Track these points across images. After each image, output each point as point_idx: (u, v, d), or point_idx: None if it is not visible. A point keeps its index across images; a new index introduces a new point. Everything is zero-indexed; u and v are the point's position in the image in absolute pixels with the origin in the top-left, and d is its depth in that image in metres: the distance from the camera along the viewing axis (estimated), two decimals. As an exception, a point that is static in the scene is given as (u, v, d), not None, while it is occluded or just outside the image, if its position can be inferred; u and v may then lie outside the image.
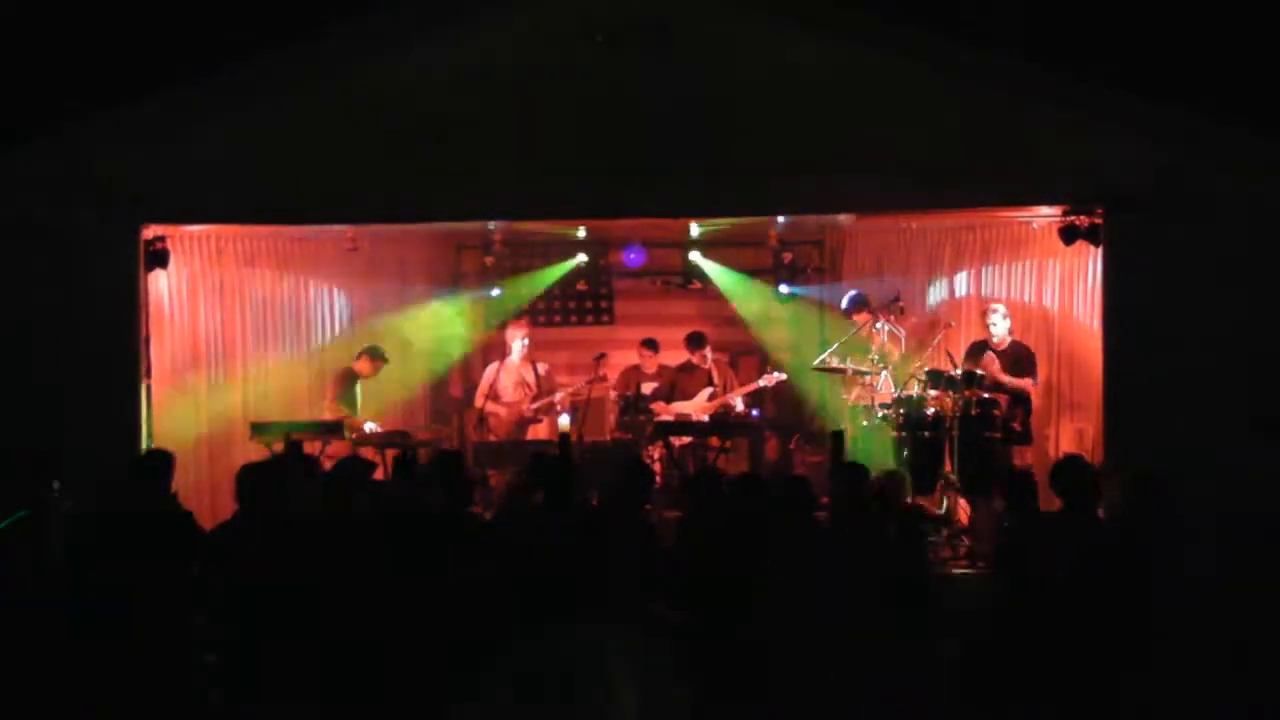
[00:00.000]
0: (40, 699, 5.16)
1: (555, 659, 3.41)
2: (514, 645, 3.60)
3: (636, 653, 3.46)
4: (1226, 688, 5.19)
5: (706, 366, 10.27)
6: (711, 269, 11.03)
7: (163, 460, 6.28)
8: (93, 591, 5.43)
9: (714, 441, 9.63)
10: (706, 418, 10.08)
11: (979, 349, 9.41)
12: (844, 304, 10.35)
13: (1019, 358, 9.32)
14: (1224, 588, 5.39)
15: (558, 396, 10.13)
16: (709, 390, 10.19)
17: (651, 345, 10.57)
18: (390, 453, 9.24)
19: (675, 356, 10.63)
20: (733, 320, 11.40)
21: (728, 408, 10.14)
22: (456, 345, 11.15)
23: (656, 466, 9.55)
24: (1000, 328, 9.41)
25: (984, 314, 9.61)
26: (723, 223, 10.28)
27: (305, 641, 5.12)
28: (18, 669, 5.21)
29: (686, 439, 9.80)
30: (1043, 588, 5.29)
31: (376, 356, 10.22)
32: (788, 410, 11.01)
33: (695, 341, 10.32)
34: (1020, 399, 9.21)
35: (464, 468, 6.57)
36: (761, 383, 10.11)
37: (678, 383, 10.32)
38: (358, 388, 10.16)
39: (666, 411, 10.14)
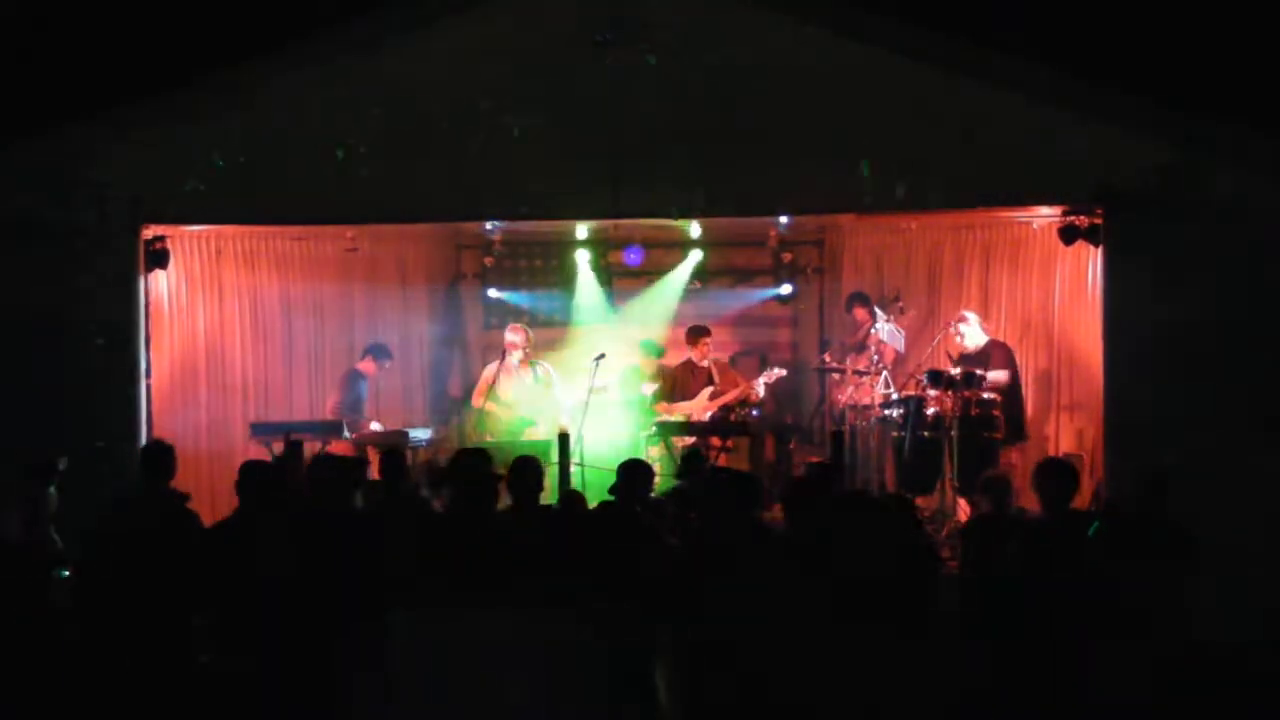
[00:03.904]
0: (38, 696, 5.16)
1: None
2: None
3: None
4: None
5: (706, 365, 10.24)
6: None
7: (163, 452, 6.26)
8: (94, 591, 5.44)
9: (715, 441, 9.62)
10: (708, 417, 10.06)
11: (963, 358, 9.45)
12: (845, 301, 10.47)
13: (989, 356, 9.29)
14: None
15: (565, 404, 10.05)
16: (710, 389, 10.16)
17: (650, 348, 10.54)
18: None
19: (678, 356, 10.61)
20: (733, 320, 11.40)
21: (749, 400, 10.07)
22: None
23: (656, 466, 9.53)
24: (973, 330, 9.38)
25: (954, 323, 9.60)
26: (722, 223, 10.30)
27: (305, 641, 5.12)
28: (15, 667, 5.21)
29: (687, 439, 9.77)
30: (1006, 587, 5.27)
31: (381, 355, 10.23)
32: (788, 410, 11.00)
33: (696, 334, 10.26)
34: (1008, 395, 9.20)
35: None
36: (763, 379, 10.10)
37: (678, 383, 10.30)
38: (363, 387, 10.14)
39: (668, 412, 10.12)
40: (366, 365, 10.20)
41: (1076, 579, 5.15)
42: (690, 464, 7.73)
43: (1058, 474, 5.61)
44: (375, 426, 9.86)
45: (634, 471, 6.20)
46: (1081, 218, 8.83)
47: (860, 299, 10.44)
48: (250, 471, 5.69)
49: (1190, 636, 5.27)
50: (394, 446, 8.09)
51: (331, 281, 10.72)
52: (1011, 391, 9.22)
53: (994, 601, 5.25)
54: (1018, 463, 9.20)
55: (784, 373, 10.14)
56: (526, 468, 5.81)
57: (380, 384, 10.52)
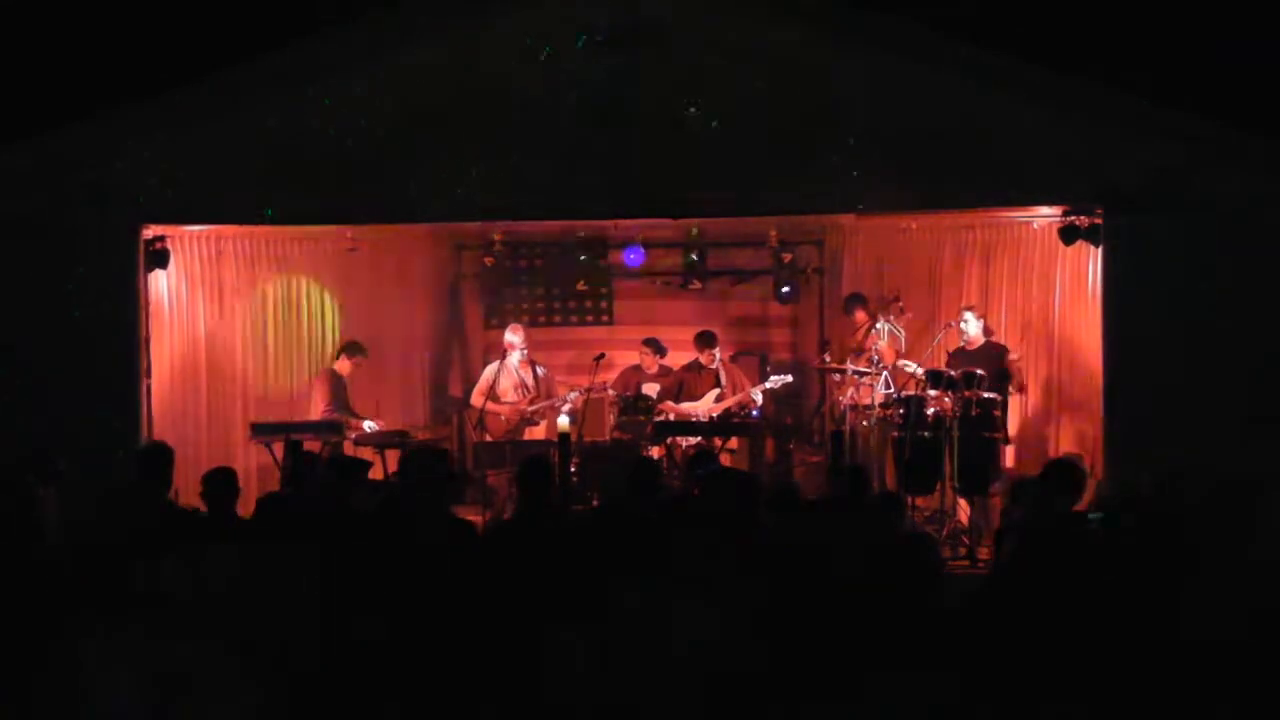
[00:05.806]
0: (37, 698, 5.16)
1: None
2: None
3: None
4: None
5: (714, 367, 10.22)
6: None
7: (162, 454, 6.25)
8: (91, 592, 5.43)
9: (716, 442, 9.61)
10: (714, 418, 10.05)
11: (958, 354, 9.44)
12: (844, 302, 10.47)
13: (990, 357, 9.30)
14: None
15: (566, 404, 10.01)
16: (716, 391, 10.16)
17: (655, 346, 10.52)
18: (390, 453, 9.26)
19: (678, 357, 10.61)
20: (733, 321, 11.40)
21: (747, 405, 10.08)
22: None
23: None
24: (972, 327, 9.41)
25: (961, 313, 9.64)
26: (722, 223, 10.30)
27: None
28: (14, 670, 5.20)
29: (691, 440, 9.76)
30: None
31: (354, 353, 10.13)
32: (787, 411, 11.00)
33: (705, 340, 10.25)
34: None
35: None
36: (769, 384, 10.09)
37: (685, 383, 10.29)
38: (345, 387, 10.10)
39: (674, 412, 10.10)
40: (341, 365, 10.07)
41: (1079, 579, 5.15)
42: (699, 464, 7.68)
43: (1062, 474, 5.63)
44: (371, 426, 9.81)
45: (642, 470, 6.17)
46: (1081, 218, 8.83)
47: (859, 300, 10.43)
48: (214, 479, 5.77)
49: (1186, 637, 5.27)
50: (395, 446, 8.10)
51: (331, 281, 10.71)
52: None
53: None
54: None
55: (790, 379, 10.14)
56: (535, 468, 5.78)
57: (375, 380, 10.50)
